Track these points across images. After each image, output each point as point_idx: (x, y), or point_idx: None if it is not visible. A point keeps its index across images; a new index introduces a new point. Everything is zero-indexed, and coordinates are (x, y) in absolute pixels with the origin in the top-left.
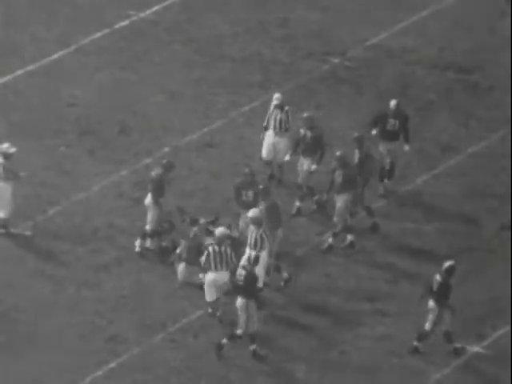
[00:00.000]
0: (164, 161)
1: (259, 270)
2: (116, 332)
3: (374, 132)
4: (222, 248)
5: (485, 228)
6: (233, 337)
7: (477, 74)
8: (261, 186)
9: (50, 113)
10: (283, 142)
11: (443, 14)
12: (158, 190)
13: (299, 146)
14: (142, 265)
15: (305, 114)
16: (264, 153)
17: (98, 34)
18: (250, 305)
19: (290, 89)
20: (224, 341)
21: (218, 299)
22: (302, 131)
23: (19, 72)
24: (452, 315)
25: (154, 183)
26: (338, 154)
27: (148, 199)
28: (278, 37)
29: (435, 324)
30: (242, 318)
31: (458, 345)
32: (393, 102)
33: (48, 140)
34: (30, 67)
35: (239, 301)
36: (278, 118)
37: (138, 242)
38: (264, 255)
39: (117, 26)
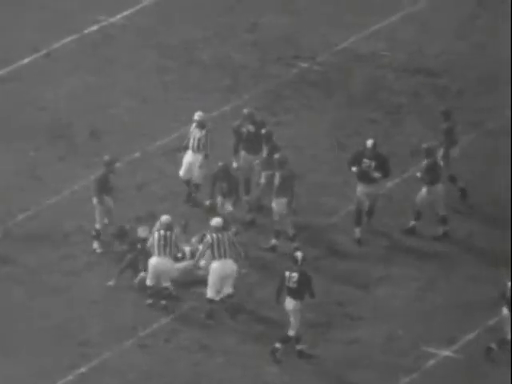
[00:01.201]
0: (105, 157)
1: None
2: (87, 337)
3: (354, 169)
4: (168, 233)
5: (455, 231)
6: (286, 339)
7: (446, 77)
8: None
9: (20, 117)
10: (198, 161)
11: (413, 18)
12: (101, 188)
13: (242, 144)
14: (112, 270)
15: (245, 110)
16: (181, 172)
17: (68, 39)
18: (298, 306)
19: (260, 93)
20: (278, 345)
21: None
22: (244, 129)
23: None
24: None
25: (96, 182)
26: (276, 156)
27: (94, 199)
28: (248, 41)
29: None
30: (292, 320)
31: None
32: (369, 142)
33: (18, 144)
34: (0, 72)
35: (289, 302)
36: (197, 136)
37: (95, 244)
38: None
39: (86, 31)
